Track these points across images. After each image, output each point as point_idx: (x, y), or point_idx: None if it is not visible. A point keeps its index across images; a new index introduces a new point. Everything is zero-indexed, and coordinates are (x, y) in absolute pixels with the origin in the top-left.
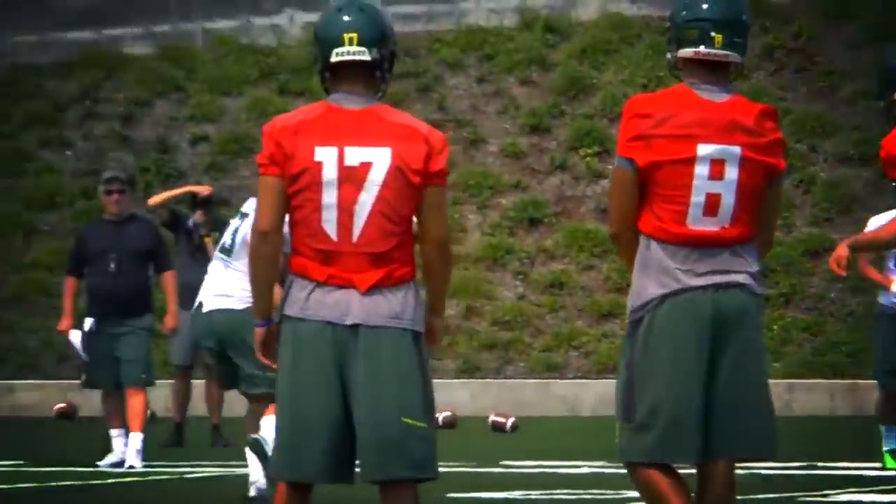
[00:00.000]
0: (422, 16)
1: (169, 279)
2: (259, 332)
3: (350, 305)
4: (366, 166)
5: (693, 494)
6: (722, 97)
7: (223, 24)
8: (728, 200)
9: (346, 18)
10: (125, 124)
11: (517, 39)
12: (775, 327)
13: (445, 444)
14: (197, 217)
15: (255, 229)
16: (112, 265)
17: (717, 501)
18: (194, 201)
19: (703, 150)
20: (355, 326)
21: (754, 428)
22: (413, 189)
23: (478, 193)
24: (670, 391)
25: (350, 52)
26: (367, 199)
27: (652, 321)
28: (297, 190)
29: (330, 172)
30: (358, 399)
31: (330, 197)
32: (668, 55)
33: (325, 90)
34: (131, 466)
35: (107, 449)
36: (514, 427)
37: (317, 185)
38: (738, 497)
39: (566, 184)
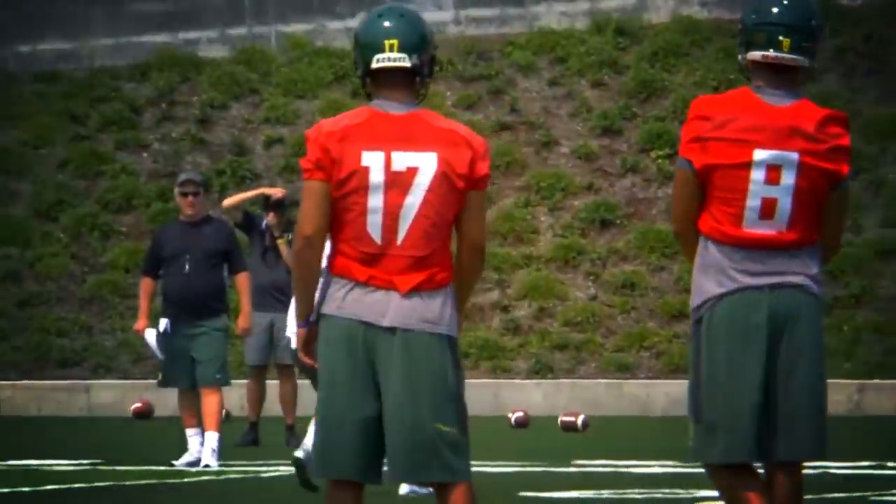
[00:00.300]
0: (494, 19)
1: (243, 280)
2: (301, 332)
3: (389, 307)
4: (412, 171)
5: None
6: (786, 102)
7: (297, 28)
8: (785, 205)
9: (386, 24)
10: (201, 127)
11: (589, 42)
12: (845, 328)
13: (517, 444)
14: (270, 219)
15: (299, 233)
16: (187, 266)
17: (783, 503)
18: (267, 203)
19: (759, 155)
20: (392, 329)
21: (806, 430)
22: (457, 193)
23: (550, 195)
24: (728, 390)
25: (391, 58)
26: (412, 203)
27: (710, 320)
28: (343, 194)
29: (377, 177)
30: (391, 402)
31: (376, 201)
32: (739, 57)
33: (367, 95)
34: (207, 466)
35: (183, 448)
36: (585, 424)
37: (363, 189)
38: (809, 496)
39: (637, 186)
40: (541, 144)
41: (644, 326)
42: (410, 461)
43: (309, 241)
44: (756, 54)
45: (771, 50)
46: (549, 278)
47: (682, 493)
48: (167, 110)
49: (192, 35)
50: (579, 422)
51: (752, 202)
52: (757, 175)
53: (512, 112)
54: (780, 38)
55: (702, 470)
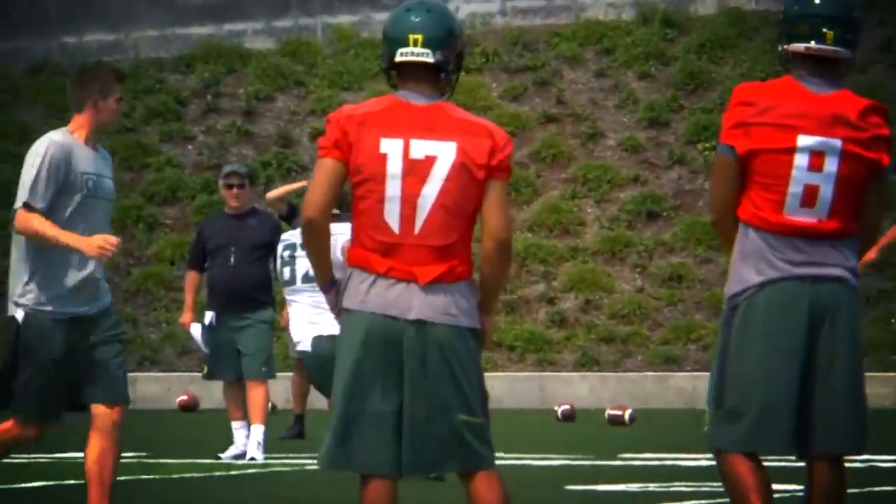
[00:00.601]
0: (540, 10)
1: None
2: (328, 297)
3: (412, 300)
4: (430, 159)
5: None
6: (827, 90)
7: (343, 19)
8: (826, 193)
9: (413, 19)
10: (246, 119)
11: (635, 33)
12: (893, 321)
13: (564, 437)
14: None
15: (304, 211)
16: (232, 259)
17: (825, 495)
18: None
19: (804, 141)
20: (416, 322)
21: (844, 423)
22: (476, 184)
23: (596, 187)
24: (765, 378)
25: (414, 52)
26: (430, 192)
27: (749, 308)
28: (360, 181)
29: (394, 165)
30: (415, 395)
31: (393, 189)
32: (780, 48)
33: (393, 87)
34: (253, 458)
35: (228, 441)
36: (633, 418)
37: (381, 176)
38: (855, 490)
39: (684, 178)
40: (587, 136)
41: (691, 319)
42: (439, 453)
43: (311, 222)
44: (799, 46)
45: (814, 42)
46: (596, 270)
47: (715, 486)
48: (212, 102)
49: (238, 27)
50: (626, 415)
51: (795, 188)
52: (800, 161)
53: (558, 104)
54: (824, 29)
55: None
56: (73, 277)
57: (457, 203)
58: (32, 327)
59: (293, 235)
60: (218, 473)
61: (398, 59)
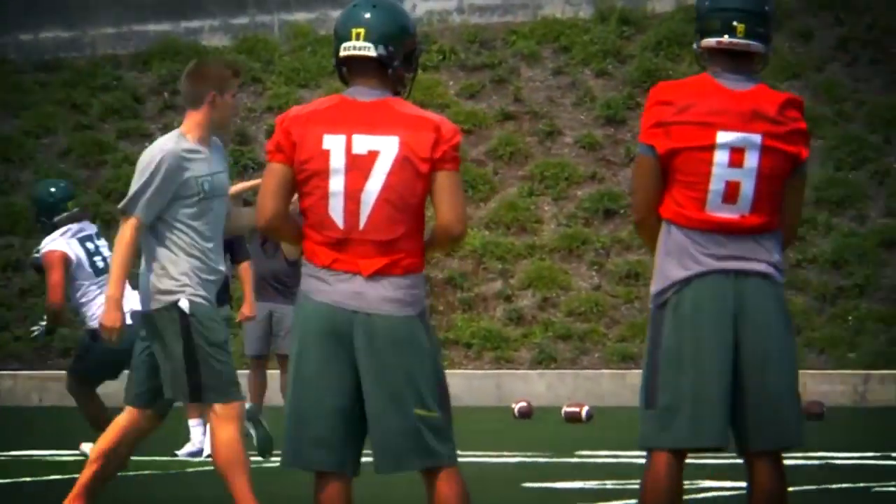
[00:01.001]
0: (498, 8)
1: (246, 269)
2: None
3: (358, 291)
4: (373, 154)
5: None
6: (745, 86)
7: (300, 16)
8: (748, 188)
9: (357, 14)
10: None
11: (593, 31)
12: (850, 318)
13: (521, 435)
14: None
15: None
16: None
17: (764, 494)
18: None
19: (723, 137)
20: (360, 312)
21: (777, 418)
22: (421, 177)
23: (553, 185)
24: (695, 374)
25: (355, 46)
26: (373, 187)
27: (677, 304)
28: (305, 178)
29: (337, 160)
30: (368, 390)
31: (337, 184)
32: (695, 45)
33: (344, 82)
34: (209, 456)
35: (185, 438)
36: (589, 415)
37: (324, 172)
38: (813, 487)
39: None
40: (544, 134)
41: (648, 316)
42: (394, 451)
43: (266, 229)
44: (711, 41)
45: (726, 36)
46: (553, 268)
47: (686, 484)
48: (169, 99)
49: (195, 24)
50: (583, 413)
51: (716, 185)
52: (720, 157)
53: (515, 101)
54: (735, 23)
55: (709, 461)
56: (216, 273)
57: (401, 197)
58: (199, 311)
59: (88, 226)
60: (174, 471)
61: (341, 53)
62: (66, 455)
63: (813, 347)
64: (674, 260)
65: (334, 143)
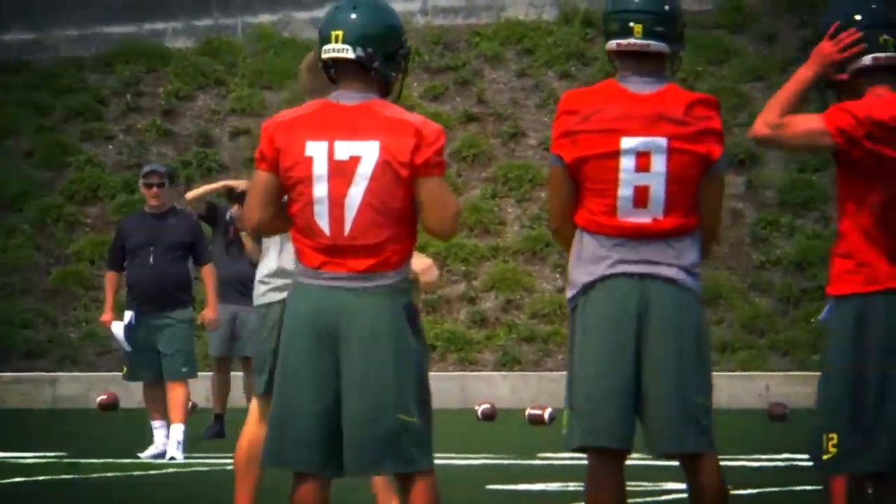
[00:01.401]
0: (461, 9)
1: (209, 272)
2: None
3: (344, 290)
4: (355, 160)
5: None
6: (650, 88)
7: (264, 18)
8: (658, 192)
9: (336, 15)
10: (166, 118)
11: (556, 33)
12: (813, 320)
13: (484, 437)
14: (234, 211)
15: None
16: (152, 258)
17: (701, 495)
18: (231, 195)
19: (627, 143)
20: (348, 314)
21: (677, 423)
22: (402, 182)
23: (517, 187)
24: (599, 374)
25: (334, 49)
26: (356, 193)
27: (583, 307)
28: (291, 184)
29: (320, 167)
30: (347, 389)
31: (321, 191)
32: (606, 49)
33: (333, 82)
34: (172, 458)
35: (148, 441)
36: (553, 418)
37: (308, 179)
38: (776, 489)
39: None
40: (508, 136)
41: None
42: (370, 453)
43: (255, 231)
44: (612, 43)
45: (624, 38)
46: (517, 270)
47: (648, 486)
48: (132, 101)
49: (158, 26)
50: (546, 415)
51: (624, 191)
52: (626, 163)
53: (479, 103)
54: (631, 24)
55: (670, 462)
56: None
57: (383, 202)
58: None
59: None
60: (137, 473)
61: (323, 55)
62: (30, 457)
63: (777, 350)
64: (583, 266)
65: (317, 150)
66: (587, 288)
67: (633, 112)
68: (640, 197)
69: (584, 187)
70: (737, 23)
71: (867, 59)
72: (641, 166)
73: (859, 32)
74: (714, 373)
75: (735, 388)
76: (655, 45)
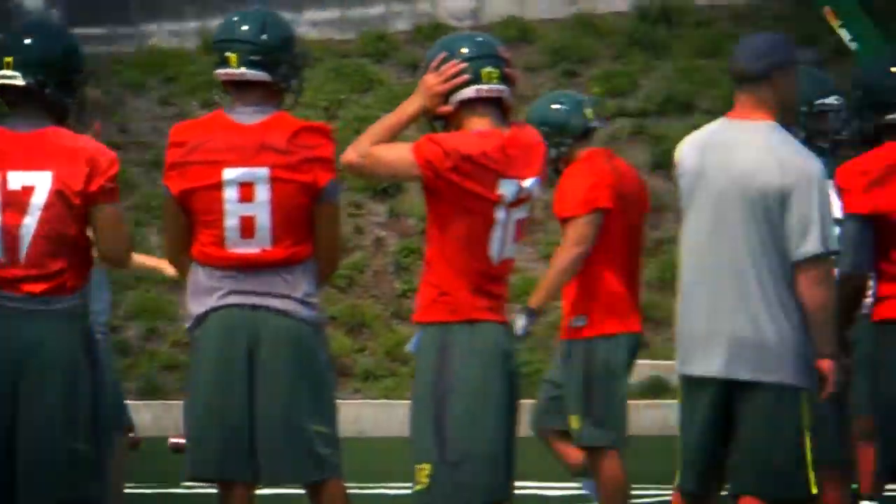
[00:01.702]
0: (104, 37)
1: None
2: None
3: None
4: (28, 190)
5: None
6: (255, 118)
7: None
8: (264, 222)
9: (7, 42)
10: None
11: (198, 62)
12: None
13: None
14: None
15: None
16: None
17: None
18: None
19: (229, 174)
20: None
21: (297, 453)
22: (75, 211)
23: (159, 215)
24: (207, 410)
25: (3, 76)
26: (30, 223)
27: (198, 339)
28: None
29: None
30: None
31: None
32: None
33: None
34: None
35: None
36: None
37: None
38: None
39: None
40: (150, 164)
41: None
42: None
43: None
44: (216, 73)
45: (223, 67)
46: (161, 299)
47: None
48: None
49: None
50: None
51: (230, 221)
52: (229, 194)
53: (121, 132)
54: (227, 53)
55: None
56: None
57: (56, 232)
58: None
59: None
60: None
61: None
62: None
63: None
64: (198, 298)
65: None
66: (200, 319)
67: (236, 143)
68: (247, 227)
69: (196, 219)
70: (380, 51)
71: (470, 91)
72: (245, 197)
73: (464, 63)
74: (357, 401)
75: (378, 416)
76: (252, 73)
